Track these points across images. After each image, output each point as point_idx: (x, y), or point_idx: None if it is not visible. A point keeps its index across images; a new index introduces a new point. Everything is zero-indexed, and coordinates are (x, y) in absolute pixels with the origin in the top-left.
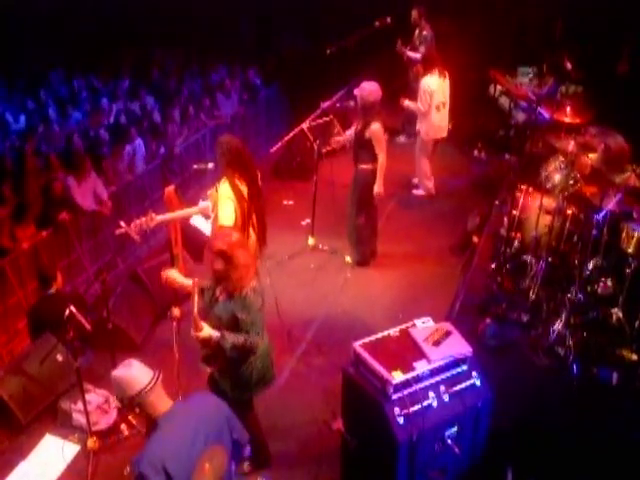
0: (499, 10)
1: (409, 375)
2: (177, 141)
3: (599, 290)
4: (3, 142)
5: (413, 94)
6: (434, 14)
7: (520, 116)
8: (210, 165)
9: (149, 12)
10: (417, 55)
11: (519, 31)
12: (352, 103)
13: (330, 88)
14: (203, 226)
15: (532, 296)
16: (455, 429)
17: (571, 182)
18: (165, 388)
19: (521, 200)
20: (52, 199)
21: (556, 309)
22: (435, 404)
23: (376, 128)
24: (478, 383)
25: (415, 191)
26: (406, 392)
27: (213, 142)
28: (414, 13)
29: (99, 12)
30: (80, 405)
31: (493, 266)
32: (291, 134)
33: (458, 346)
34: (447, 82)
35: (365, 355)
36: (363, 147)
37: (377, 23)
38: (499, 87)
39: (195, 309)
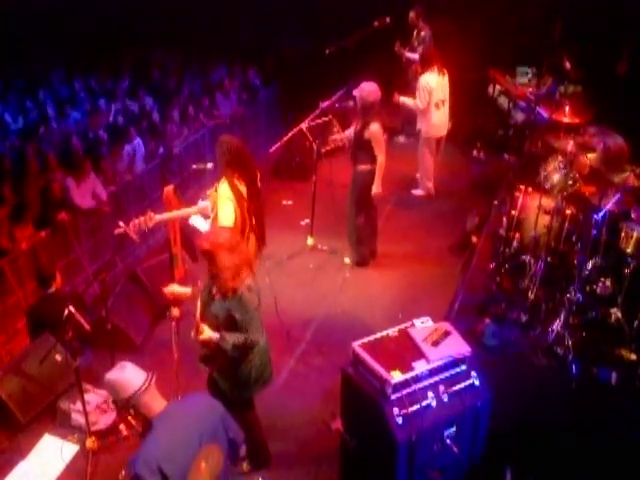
0: (498, 10)
1: (408, 375)
2: (176, 141)
3: (598, 290)
4: (3, 142)
5: (412, 94)
6: (433, 14)
7: (519, 116)
8: (209, 165)
9: (149, 12)
10: (416, 56)
11: (518, 31)
12: (351, 103)
13: (329, 88)
14: (202, 226)
15: (531, 296)
16: (454, 429)
17: (570, 182)
18: (164, 388)
19: (520, 200)
20: (51, 200)
21: (555, 309)
22: (434, 404)
23: (375, 129)
24: (477, 383)
25: (414, 191)
26: (405, 392)
27: (212, 142)
28: (411, 14)
29: (99, 12)
30: (79, 405)
31: (492, 266)
32: (290, 134)
33: (457, 346)
34: (446, 80)
35: (364, 355)
36: (362, 148)
37: (376, 23)
38: (498, 87)
39: (198, 314)
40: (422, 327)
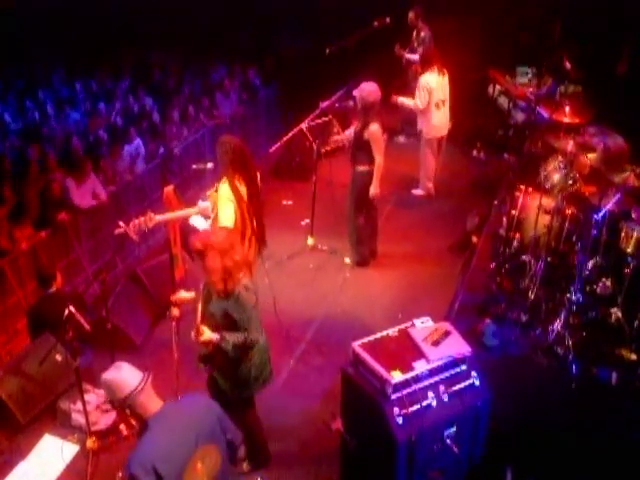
0: (498, 10)
1: (408, 375)
2: (175, 142)
3: (598, 290)
4: (2, 142)
5: (412, 95)
6: (433, 14)
7: (519, 116)
8: (209, 165)
9: (149, 12)
10: (416, 57)
11: (518, 31)
12: (351, 103)
13: (329, 88)
14: (202, 226)
15: (531, 296)
16: (454, 429)
17: (570, 182)
18: (164, 388)
19: (520, 200)
20: (50, 200)
21: (555, 309)
22: (434, 404)
23: (374, 129)
24: (477, 383)
25: (414, 191)
26: (405, 392)
27: (212, 142)
28: (411, 14)
29: (99, 12)
30: (79, 405)
31: (492, 266)
32: (290, 134)
33: (457, 346)
34: (446, 80)
35: (364, 355)
36: (361, 148)
37: (376, 23)
38: (498, 87)
39: (198, 315)
40: (422, 327)
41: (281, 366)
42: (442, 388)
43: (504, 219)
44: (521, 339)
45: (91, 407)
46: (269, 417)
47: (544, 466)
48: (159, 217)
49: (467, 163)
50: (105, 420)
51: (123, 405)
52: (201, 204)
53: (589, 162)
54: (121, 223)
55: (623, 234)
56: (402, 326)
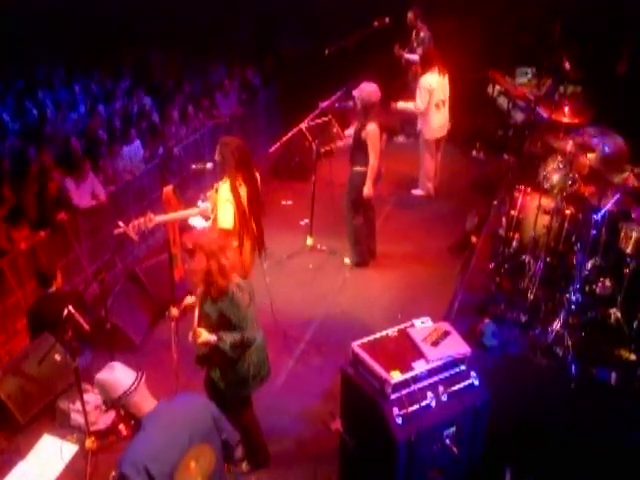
0: (498, 10)
1: (407, 375)
2: (172, 142)
3: (597, 290)
4: (2, 143)
5: (412, 95)
6: (432, 14)
7: (519, 116)
8: (209, 165)
9: (149, 12)
10: (415, 57)
11: (518, 31)
12: (351, 103)
13: (329, 88)
14: (202, 227)
15: (530, 296)
16: (453, 429)
17: (569, 182)
18: (164, 388)
19: (519, 200)
20: (48, 200)
21: (555, 309)
22: (433, 404)
23: (371, 129)
24: (476, 383)
25: (414, 191)
26: (404, 392)
27: (212, 142)
28: (410, 15)
29: (99, 12)
30: (78, 405)
31: (491, 266)
32: (290, 134)
33: (456, 346)
34: (446, 80)
35: (364, 355)
36: (359, 148)
37: (376, 23)
38: (498, 87)
39: (195, 317)
40: (422, 327)
41: (280, 366)
42: (441, 388)
43: (503, 219)
44: (520, 339)
45: (90, 407)
46: (268, 417)
47: (544, 466)
48: (159, 218)
49: (467, 163)
50: (104, 420)
51: (117, 405)
52: (201, 205)
53: (588, 162)
54: (120, 223)
55: (622, 234)
56: (401, 326)
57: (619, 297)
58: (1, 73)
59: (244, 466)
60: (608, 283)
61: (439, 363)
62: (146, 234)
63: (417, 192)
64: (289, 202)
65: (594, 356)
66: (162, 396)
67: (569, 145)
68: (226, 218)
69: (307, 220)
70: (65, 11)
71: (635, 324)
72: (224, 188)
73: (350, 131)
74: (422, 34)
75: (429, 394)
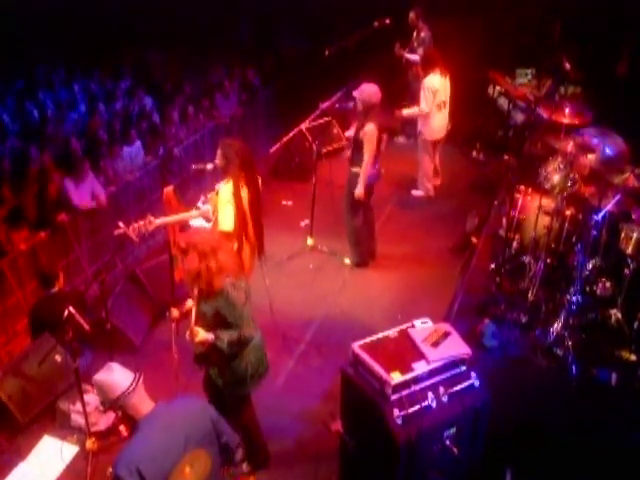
0: (498, 10)
1: (408, 376)
2: (172, 143)
3: (598, 291)
4: (2, 143)
5: (412, 95)
6: (432, 15)
7: (519, 117)
8: (209, 166)
9: (149, 12)
10: (416, 57)
11: (518, 31)
12: (351, 104)
13: (329, 88)
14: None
15: (531, 297)
16: (454, 430)
17: (570, 183)
18: (164, 389)
19: (520, 201)
20: (47, 201)
21: (555, 310)
22: (434, 405)
23: (369, 129)
24: (477, 384)
25: (414, 192)
26: (405, 393)
27: (212, 143)
28: (411, 15)
29: (99, 12)
30: (79, 406)
31: (492, 267)
32: (290, 135)
33: (457, 347)
34: (448, 81)
35: (364, 356)
36: (358, 149)
37: (376, 24)
38: (498, 88)
39: (193, 318)
40: (422, 328)
41: (281, 367)
42: (442, 389)
43: (504, 220)
44: (521, 340)
45: (90, 408)
46: (268, 417)
47: (544, 467)
48: (159, 221)
49: (467, 164)
50: (105, 421)
51: (115, 406)
52: (202, 207)
53: (589, 163)
54: (121, 224)
55: (623, 235)
56: (402, 327)
57: (619, 298)
58: (1, 73)
59: (244, 467)
60: (608, 284)
61: (439, 364)
62: (146, 236)
63: (417, 193)
64: (289, 203)
65: (594, 357)
66: (162, 397)
67: (569, 146)
68: (226, 221)
69: (307, 221)
70: (65, 11)
71: (635, 325)
72: (225, 190)
73: (350, 132)
74: (423, 34)
75: (429, 395)
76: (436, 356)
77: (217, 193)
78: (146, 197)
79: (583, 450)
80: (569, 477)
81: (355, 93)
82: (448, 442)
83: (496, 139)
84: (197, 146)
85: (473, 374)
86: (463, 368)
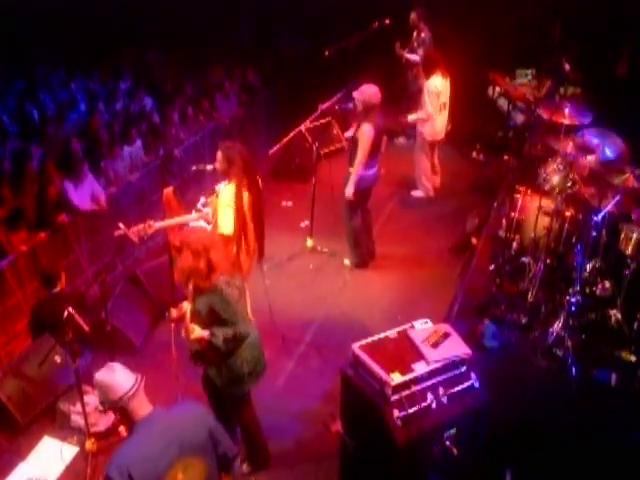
0: (498, 10)
1: (408, 377)
2: (173, 144)
3: (598, 292)
4: (2, 144)
5: (412, 96)
6: (433, 15)
7: (519, 118)
8: (209, 167)
9: (149, 12)
10: (416, 57)
11: (518, 31)
12: (351, 105)
13: (329, 89)
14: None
15: (531, 298)
16: (454, 430)
17: (569, 184)
18: (164, 390)
19: (520, 202)
20: (47, 202)
21: (555, 310)
22: (434, 406)
23: (365, 129)
24: (477, 385)
25: (414, 192)
26: (405, 394)
27: (212, 144)
28: (413, 15)
29: (99, 12)
30: (79, 407)
31: (492, 268)
32: (290, 135)
33: (457, 347)
34: (448, 82)
35: (364, 357)
36: (355, 149)
37: (376, 24)
38: (498, 89)
39: (188, 316)
40: (421, 329)
41: (281, 368)
42: (442, 390)
43: (504, 221)
44: (521, 341)
45: (90, 408)
46: (269, 418)
47: (544, 468)
48: (158, 224)
49: (467, 165)
50: (104, 422)
51: (114, 407)
52: (203, 209)
53: (588, 164)
54: (121, 225)
55: (622, 236)
56: (401, 328)
57: (619, 298)
58: (1, 73)
59: (244, 467)
60: (608, 285)
61: (439, 365)
62: (146, 238)
63: (417, 193)
64: (289, 203)
65: (594, 357)
66: (162, 397)
67: (569, 146)
68: (226, 224)
69: (307, 222)
70: (65, 11)
71: (635, 325)
72: (225, 193)
73: (350, 133)
74: (423, 35)
75: (429, 396)
76: (436, 357)
77: (217, 195)
78: (146, 198)
79: (583, 451)
80: (569, 478)
81: (355, 94)
82: (448, 443)
83: (496, 140)
84: (197, 147)
85: (473, 375)
86: (463, 369)
